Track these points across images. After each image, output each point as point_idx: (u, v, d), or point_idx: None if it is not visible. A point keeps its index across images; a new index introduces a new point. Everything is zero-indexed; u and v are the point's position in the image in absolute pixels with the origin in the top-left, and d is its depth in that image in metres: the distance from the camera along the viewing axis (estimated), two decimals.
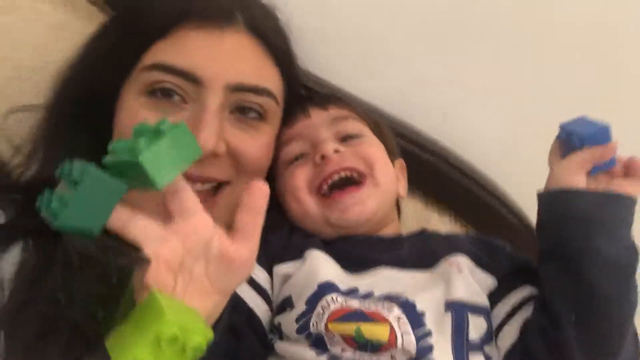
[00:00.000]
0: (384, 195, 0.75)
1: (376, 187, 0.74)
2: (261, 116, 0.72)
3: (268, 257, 0.70)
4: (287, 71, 0.77)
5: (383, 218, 0.76)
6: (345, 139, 0.77)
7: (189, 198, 0.52)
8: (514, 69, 1.02)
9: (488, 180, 1.03)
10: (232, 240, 0.52)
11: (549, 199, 0.65)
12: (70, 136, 0.74)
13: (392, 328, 0.60)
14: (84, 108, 0.73)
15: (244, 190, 0.53)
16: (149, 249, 0.49)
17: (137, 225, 0.50)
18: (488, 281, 0.69)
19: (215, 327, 0.53)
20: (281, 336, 0.67)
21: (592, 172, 0.64)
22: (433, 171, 0.99)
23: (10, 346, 0.60)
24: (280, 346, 0.64)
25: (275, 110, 0.74)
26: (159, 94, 0.67)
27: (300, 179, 0.74)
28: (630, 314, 0.59)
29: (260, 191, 0.53)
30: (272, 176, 0.79)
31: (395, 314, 0.61)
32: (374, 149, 0.78)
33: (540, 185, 0.82)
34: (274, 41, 0.74)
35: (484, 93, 1.04)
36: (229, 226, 0.73)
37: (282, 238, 0.73)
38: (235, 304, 0.65)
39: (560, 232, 0.62)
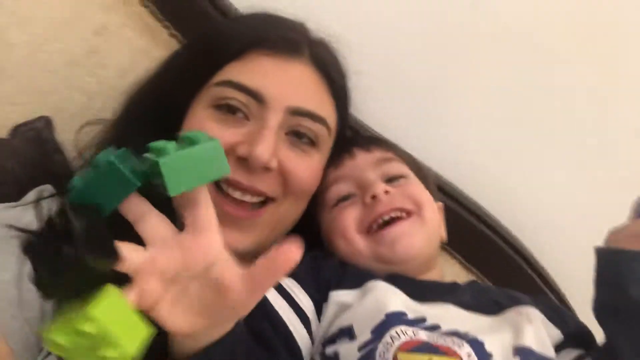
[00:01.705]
0: (430, 233, 0.76)
1: (423, 224, 0.75)
2: (313, 142, 0.76)
3: (319, 283, 0.70)
4: (341, 106, 0.81)
5: (429, 259, 0.76)
6: (390, 180, 0.79)
7: (206, 214, 0.48)
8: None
9: (497, 222, 1.04)
10: (239, 277, 0.48)
11: (609, 256, 0.64)
12: (136, 140, 0.76)
13: None
14: (154, 115, 0.76)
15: (276, 246, 0.47)
16: (149, 251, 0.47)
17: (148, 222, 0.48)
18: (556, 334, 0.68)
19: (215, 349, 0.50)
20: None
21: None
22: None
23: None
24: None
25: (326, 139, 0.78)
26: (225, 109, 0.71)
27: (349, 219, 0.76)
28: None
29: (291, 255, 0.46)
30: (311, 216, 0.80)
31: (465, 350, 0.59)
32: (419, 189, 0.79)
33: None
34: (334, 76, 0.79)
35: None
36: (263, 243, 0.75)
37: (335, 267, 0.73)
38: (275, 323, 0.65)
39: (621, 289, 0.61)
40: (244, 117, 0.72)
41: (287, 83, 0.73)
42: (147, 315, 0.46)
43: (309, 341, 0.67)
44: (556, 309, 0.73)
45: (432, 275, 0.77)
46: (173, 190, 0.45)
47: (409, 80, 1.02)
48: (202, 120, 0.71)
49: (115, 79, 0.91)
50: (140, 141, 0.73)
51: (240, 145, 0.70)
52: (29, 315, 0.62)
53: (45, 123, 0.87)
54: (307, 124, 0.74)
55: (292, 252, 0.46)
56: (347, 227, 0.75)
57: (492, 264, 1.03)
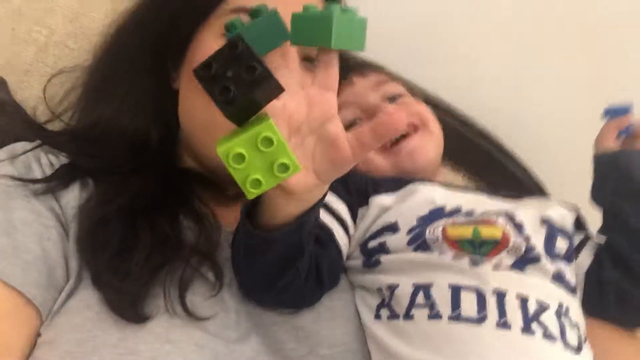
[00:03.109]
0: (437, 141, 0.83)
1: (431, 135, 0.81)
2: None
3: (350, 189, 0.73)
4: None
5: (438, 166, 0.84)
6: (391, 99, 0.83)
7: (335, 75, 0.54)
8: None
9: (497, 138, 1.12)
10: (347, 136, 0.53)
11: (611, 156, 0.77)
12: (129, 79, 0.74)
13: (503, 229, 0.65)
14: (151, 49, 0.73)
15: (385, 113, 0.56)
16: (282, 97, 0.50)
17: (286, 72, 0.52)
18: (572, 214, 0.76)
19: (308, 216, 0.56)
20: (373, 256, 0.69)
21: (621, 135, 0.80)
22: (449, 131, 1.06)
23: (94, 264, 0.60)
24: (390, 258, 0.67)
25: None
26: None
27: None
28: None
29: (397, 118, 0.51)
30: None
31: (501, 220, 0.67)
32: (421, 105, 0.85)
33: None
34: None
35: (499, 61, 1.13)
36: None
37: (365, 178, 0.76)
38: (322, 232, 0.68)
39: (628, 175, 0.74)
40: None
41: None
42: None
43: (347, 242, 0.71)
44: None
45: (440, 179, 0.83)
46: (335, 44, 0.50)
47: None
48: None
49: (66, 26, 0.84)
50: (134, 78, 0.74)
51: None
52: (28, 257, 0.59)
53: None
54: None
55: (399, 117, 0.51)
56: None
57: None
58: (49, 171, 0.67)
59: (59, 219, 0.64)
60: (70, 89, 0.80)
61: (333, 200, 0.71)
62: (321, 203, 0.57)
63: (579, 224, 0.77)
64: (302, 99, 0.52)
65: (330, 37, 0.49)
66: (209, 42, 0.69)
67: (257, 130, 0.46)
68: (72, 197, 0.66)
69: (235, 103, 0.46)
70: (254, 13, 0.54)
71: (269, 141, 0.46)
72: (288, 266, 0.59)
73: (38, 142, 0.70)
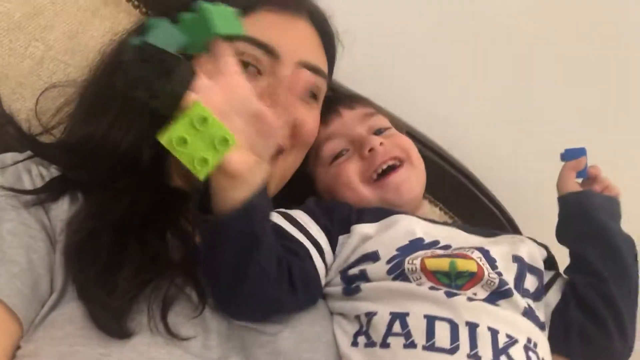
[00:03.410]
0: (421, 175, 0.86)
1: (414, 169, 0.85)
2: (315, 96, 0.80)
3: (333, 218, 0.76)
4: (330, 66, 0.86)
5: (421, 197, 0.87)
6: (377, 132, 0.87)
7: (233, 61, 0.58)
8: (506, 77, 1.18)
9: (474, 176, 1.17)
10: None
11: (575, 197, 0.83)
12: (124, 94, 0.74)
13: (477, 263, 0.68)
14: None
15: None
16: (199, 95, 0.54)
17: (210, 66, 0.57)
18: (543, 253, 0.79)
19: (255, 201, 0.59)
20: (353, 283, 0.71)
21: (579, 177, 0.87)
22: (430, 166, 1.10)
23: (81, 277, 0.61)
24: (370, 286, 0.69)
25: (323, 94, 0.82)
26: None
27: (351, 172, 0.83)
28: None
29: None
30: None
31: (476, 255, 0.70)
32: (404, 138, 0.89)
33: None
34: (329, 40, 0.83)
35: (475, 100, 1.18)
36: (272, 194, 0.78)
37: (349, 207, 0.79)
38: (297, 243, 0.71)
39: (591, 217, 0.79)
40: (256, 71, 0.73)
41: (296, 38, 0.76)
42: None
43: (323, 267, 0.73)
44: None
45: (422, 212, 0.86)
46: (219, 31, 0.55)
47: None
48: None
49: (65, 41, 0.85)
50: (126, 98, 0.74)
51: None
52: (14, 269, 0.59)
53: None
54: (313, 78, 0.77)
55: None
56: (351, 180, 0.83)
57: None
58: (39, 183, 0.67)
59: (47, 232, 0.64)
60: (63, 104, 0.81)
61: (314, 229, 0.74)
62: (267, 190, 0.61)
63: (550, 261, 0.80)
64: (219, 88, 0.56)
65: (213, 26, 0.55)
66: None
67: (189, 112, 0.51)
68: (62, 210, 0.66)
69: (159, 95, 0.50)
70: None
71: (203, 120, 0.51)
72: (246, 259, 0.60)
73: (29, 153, 0.71)
